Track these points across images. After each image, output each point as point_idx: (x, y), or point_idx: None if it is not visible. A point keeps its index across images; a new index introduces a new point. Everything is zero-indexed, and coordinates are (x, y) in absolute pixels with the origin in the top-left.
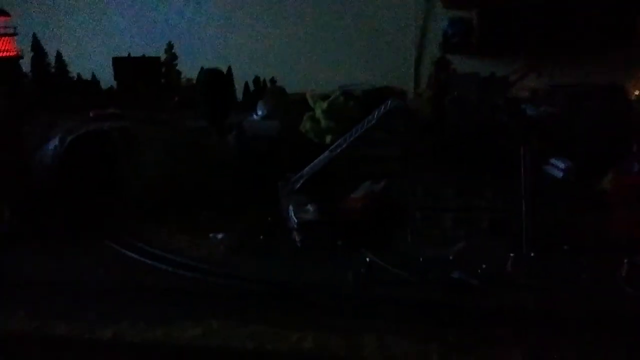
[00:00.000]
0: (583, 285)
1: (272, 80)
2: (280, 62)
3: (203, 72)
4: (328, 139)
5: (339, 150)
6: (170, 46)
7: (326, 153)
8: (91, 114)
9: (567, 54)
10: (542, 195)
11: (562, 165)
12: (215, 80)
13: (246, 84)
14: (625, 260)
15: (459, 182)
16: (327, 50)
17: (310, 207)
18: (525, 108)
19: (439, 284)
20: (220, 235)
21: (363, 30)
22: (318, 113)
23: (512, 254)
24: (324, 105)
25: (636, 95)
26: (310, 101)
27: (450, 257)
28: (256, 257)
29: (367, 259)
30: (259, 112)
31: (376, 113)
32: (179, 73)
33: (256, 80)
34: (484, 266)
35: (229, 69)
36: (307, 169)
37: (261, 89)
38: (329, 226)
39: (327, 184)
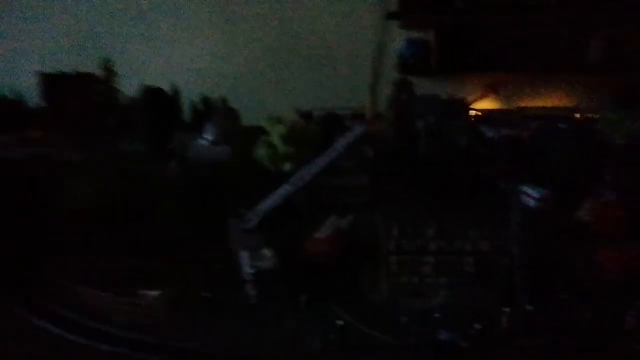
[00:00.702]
0: (589, 344)
1: (223, 101)
2: (232, 83)
3: (142, 90)
4: (286, 166)
5: (301, 183)
6: (107, 61)
7: (286, 186)
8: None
9: (523, 75)
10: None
11: (536, 194)
12: (156, 100)
13: (193, 104)
14: (630, 313)
15: (438, 219)
16: (281, 71)
17: (267, 252)
18: (484, 131)
19: (424, 347)
20: (153, 293)
21: (319, 51)
22: (275, 138)
23: (506, 309)
24: (283, 129)
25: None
26: (266, 124)
27: (436, 315)
28: (199, 319)
29: (339, 323)
30: (207, 136)
31: (343, 141)
32: (117, 91)
33: (205, 100)
34: (477, 326)
35: (174, 88)
36: (263, 204)
37: (211, 110)
38: (290, 276)
39: (287, 221)
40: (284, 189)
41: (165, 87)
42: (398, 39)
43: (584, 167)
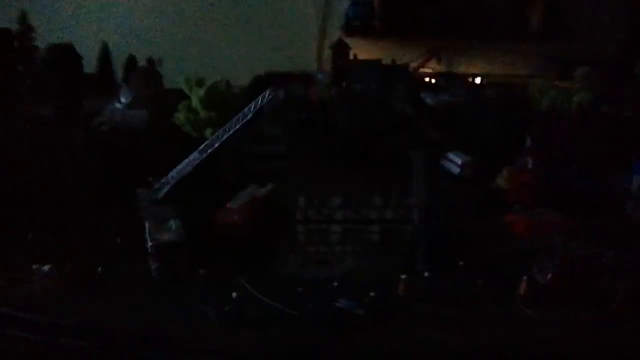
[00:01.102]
0: (481, 313)
1: (149, 61)
2: (169, 43)
3: (48, 48)
4: (208, 132)
5: (210, 151)
6: (23, 15)
7: (195, 154)
8: None
9: (466, 41)
10: (437, 196)
11: (459, 160)
12: (64, 58)
13: (127, 64)
14: (523, 278)
15: (346, 189)
16: (225, 31)
17: (172, 224)
18: (424, 97)
19: (321, 317)
20: (44, 268)
21: (265, 11)
22: (195, 102)
23: (403, 276)
24: (201, 92)
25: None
26: (185, 88)
27: (335, 284)
28: (94, 297)
29: (234, 295)
30: (123, 99)
31: (253, 105)
32: (35, 49)
33: (131, 59)
34: (372, 293)
35: (104, 46)
36: (172, 172)
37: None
38: (195, 249)
39: (201, 191)
40: (193, 157)
41: (95, 45)
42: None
43: (510, 134)
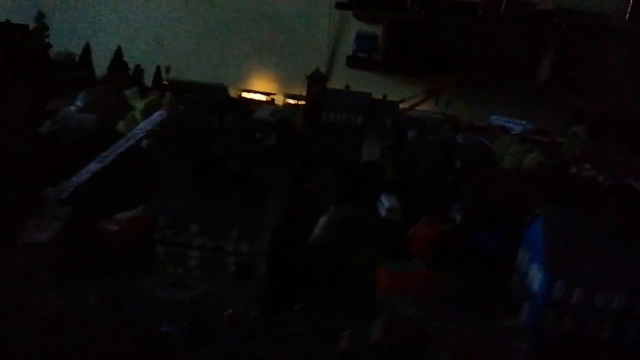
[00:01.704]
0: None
1: (137, 68)
2: (183, 55)
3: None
4: (145, 143)
5: (106, 162)
6: (40, 15)
7: (94, 163)
8: None
9: (468, 83)
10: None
11: (386, 204)
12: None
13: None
14: (345, 333)
15: (205, 216)
16: (234, 47)
17: (56, 224)
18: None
19: (139, 338)
20: None
21: (275, 33)
22: (137, 113)
23: (229, 311)
24: (141, 105)
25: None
26: (129, 98)
27: (164, 308)
28: None
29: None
30: (78, 103)
31: (144, 124)
32: (49, 46)
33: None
34: (184, 322)
35: (86, 46)
36: (74, 177)
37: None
38: (66, 252)
39: (102, 197)
40: (92, 165)
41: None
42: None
43: (452, 184)
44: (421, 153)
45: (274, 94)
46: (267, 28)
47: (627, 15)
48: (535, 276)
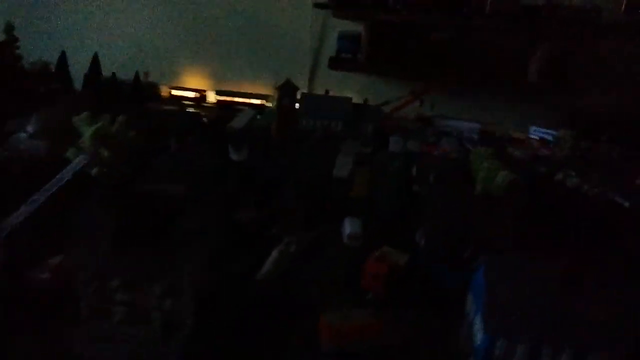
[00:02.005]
0: None
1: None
2: (160, 57)
3: None
4: (94, 171)
5: (35, 206)
6: (9, 27)
7: (23, 206)
8: None
9: (455, 85)
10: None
11: (347, 229)
12: None
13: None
14: None
15: (127, 268)
16: (210, 50)
17: None
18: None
19: None
20: None
21: (262, 32)
22: (86, 139)
23: None
24: (88, 132)
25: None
26: (76, 123)
27: None
28: None
29: None
30: (29, 128)
31: (69, 168)
32: (20, 58)
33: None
34: None
35: (62, 54)
36: (12, 215)
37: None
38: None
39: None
40: (23, 209)
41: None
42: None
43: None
44: (388, 165)
45: (204, 91)
46: (250, 29)
47: (623, 7)
48: (478, 330)
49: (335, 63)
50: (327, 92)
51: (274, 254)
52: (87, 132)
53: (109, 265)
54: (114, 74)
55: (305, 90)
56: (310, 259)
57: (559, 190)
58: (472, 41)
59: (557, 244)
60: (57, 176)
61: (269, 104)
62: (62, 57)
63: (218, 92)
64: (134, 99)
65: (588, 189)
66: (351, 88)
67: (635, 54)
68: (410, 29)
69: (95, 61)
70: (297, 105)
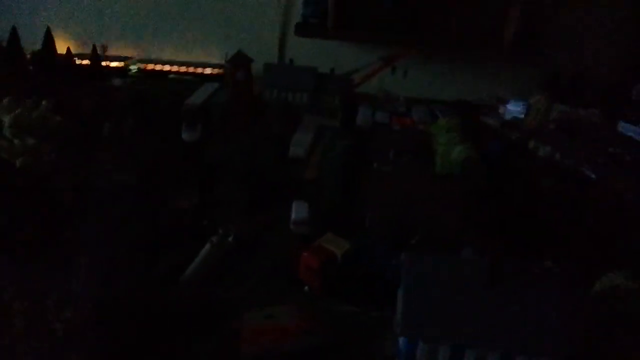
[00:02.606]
0: None
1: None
2: (127, 31)
3: None
4: (19, 161)
5: None
6: None
7: None
8: None
9: (426, 50)
10: None
11: (292, 214)
12: None
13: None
14: None
15: (19, 277)
16: (174, 20)
17: None
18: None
19: None
20: None
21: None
22: (5, 130)
23: None
24: (8, 119)
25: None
26: None
27: None
28: None
29: None
30: None
31: None
32: None
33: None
34: None
35: (13, 30)
36: None
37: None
38: None
39: None
40: None
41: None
42: None
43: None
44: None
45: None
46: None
47: None
48: (399, 333)
49: (302, 29)
50: (291, 61)
51: (205, 248)
52: (7, 119)
53: (4, 272)
54: (68, 48)
55: (275, 61)
56: (250, 250)
57: (529, 161)
58: (444, 3)
59: (510, 230)
60: None
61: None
62: (13, 32)
63: (148, 61)
64: (91, 77)
65: (559, 159)
66: (323, 57)
67: (615, 12)
68: None
69: (48, 35)
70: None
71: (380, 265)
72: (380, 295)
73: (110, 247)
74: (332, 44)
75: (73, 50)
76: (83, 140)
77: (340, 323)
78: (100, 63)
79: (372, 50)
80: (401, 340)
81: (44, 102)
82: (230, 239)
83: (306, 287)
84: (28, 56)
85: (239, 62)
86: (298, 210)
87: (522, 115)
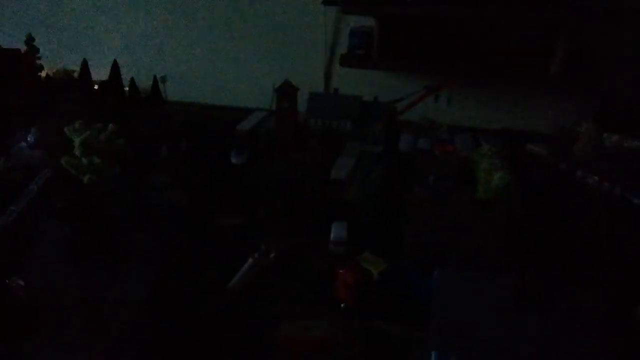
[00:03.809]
0: None
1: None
2: (177, 61)
3: None
4: (86, 177)
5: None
6: (30, 38)
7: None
8: None
9: (472, 79)
10: None
11: (331, 235)
12: None
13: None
14: None
15: (84, 278)
16: (229, 52)
17: None
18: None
19: None
20: None
21: (276, 33)
22: (76, 150)
23: None
24: (77, 140)
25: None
26: (69, 134)
27: None
28: None
29: None
30: (29, 138)
31: (37, 179)
32: (41, 68)
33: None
34: None
35: (84, 62)
36: None
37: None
38: None
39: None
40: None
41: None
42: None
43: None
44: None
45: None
46: (264, 34)
47: None
48: (430, 347)
49: (347, 60)
50: (335, 90)
51: (248, 262)
52: (77, 140)
53: (67, 275)
54: (132, 79)
55: (321, 90)
56: (290, 267)
57: (575, 190)
58: (489, 32)
59: (547, 257)
60: (28, 188)
61: None
62: (84, 65)
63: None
64: (152, 105)
65: (607, 188)
66: (368, 86)
67: None
68: (423, 21)
69: (114, 68)
70: (307, 107)
71: (414, 285)
72: (413, 315)
73: (162, 258)
74: (377, 74)
75: (135, 82)
76: (142, 160)
77: (373, 339)
78: (159, 93)
79: (415, 79)
80: (433, 354)
81: (110, 126)
82: (271, 255)
83: (342, 304)
84: (96, 86)
85: (285, 91)
86: (337, 231)
87: None
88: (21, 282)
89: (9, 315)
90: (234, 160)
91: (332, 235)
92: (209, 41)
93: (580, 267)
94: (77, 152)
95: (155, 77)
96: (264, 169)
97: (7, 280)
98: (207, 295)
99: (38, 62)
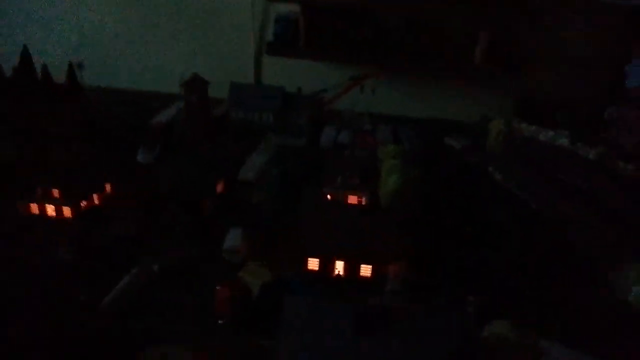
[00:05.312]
0: None
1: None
2: (101, 49)
3: None
4: None
5: None
6: None
7: None
8: None
9: (398, 69)
10: None
11: (226, 243)
12: None
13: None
14: None
15: None
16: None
17: None
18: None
19: None
20: None
21: (203, 22)
22: None
23: None
24: None
25: None
26: None
27: None
28: None
29: None
30: None
31: None
32: None
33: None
34: None
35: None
36: None
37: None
38: None
39: None
40: None
41: None
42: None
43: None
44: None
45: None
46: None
47: None
48: None
49: (274, 49)
50: (257, 81)
51: (125, 278)
52: None
53: None
54: (45, 66)
55: (251, 81)
56: (180, 281)
57: (483, 186)
58: (414, 22)
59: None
60: None
61: None
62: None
63: None
64: (68, 94)
65: (513, 186)
66: (292, 77)
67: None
68: (348, 11)
69: (25, 54)
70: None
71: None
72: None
73: (37, 272)
74: (303, 64)
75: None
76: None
77: (243, 357)
78: (76, 80)
79: (342, 69)
80: None
81: None
82: (155, 268)
83: (220, 321)
84: None
85: (192, 85)
86: (231, 238)
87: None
88: None
89: None
90: (140, 158)
91: (225, 244)
92: (135, 24)
93: (466, 268)
94: None
95: (70, 63)
96: (168, 170)
97: None
98: (81, 313)
99: None
